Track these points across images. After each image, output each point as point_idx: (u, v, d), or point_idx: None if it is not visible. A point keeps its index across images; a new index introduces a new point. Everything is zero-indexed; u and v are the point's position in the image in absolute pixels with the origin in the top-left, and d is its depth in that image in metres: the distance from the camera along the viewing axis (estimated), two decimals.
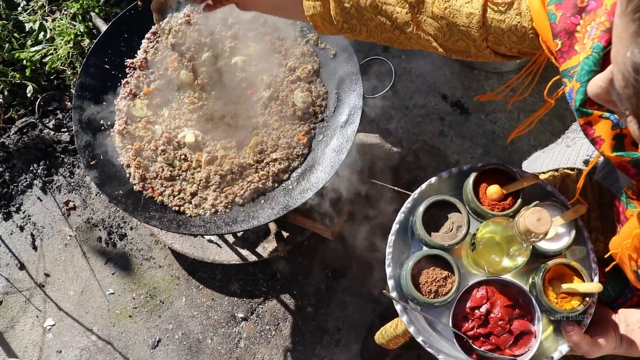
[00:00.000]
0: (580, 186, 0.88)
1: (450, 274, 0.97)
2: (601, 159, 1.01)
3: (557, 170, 1.13)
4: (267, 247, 1.93)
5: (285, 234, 1.90)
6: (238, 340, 2.00)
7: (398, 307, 0.99)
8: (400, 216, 1.06)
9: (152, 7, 1.25)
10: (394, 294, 1.00)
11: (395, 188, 1.82)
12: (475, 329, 0.94)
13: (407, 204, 1.06)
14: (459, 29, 0.81)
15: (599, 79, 0.54)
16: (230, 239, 1.96)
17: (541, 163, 1.21)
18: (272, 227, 1.85)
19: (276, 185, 1.47)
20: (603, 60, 0.67)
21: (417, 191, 1.06)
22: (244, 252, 1.93)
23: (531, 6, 0.76)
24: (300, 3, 0.90)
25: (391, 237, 1.04)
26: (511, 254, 0.88)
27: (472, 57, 0.86)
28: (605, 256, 0.93)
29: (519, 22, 0.77)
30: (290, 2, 0.92)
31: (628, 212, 0.79)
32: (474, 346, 0.93)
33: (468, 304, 0.95)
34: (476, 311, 0.95)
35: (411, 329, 0.97)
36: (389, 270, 1.01)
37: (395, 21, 0.85)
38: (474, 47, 0.83)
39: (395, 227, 1.05)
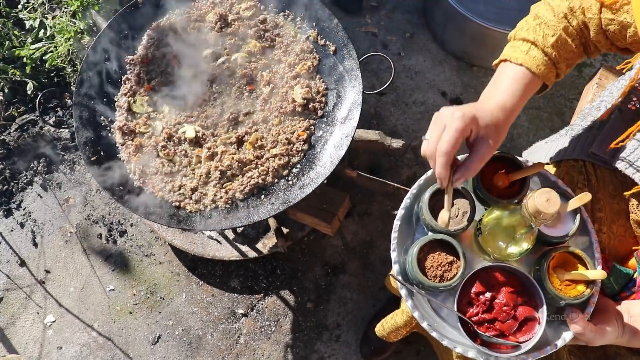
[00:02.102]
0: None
1: (455, 259, 0.98)
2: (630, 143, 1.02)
3: (560, 161, 1.14)
4: (267, 243, 1.94)
5: (285, 230, 1.91)
6: (238, 336, 2.00)
7: (403, 292, 1.00)
8: (405, 202, 1.06)
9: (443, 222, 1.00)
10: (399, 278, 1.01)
11: (395, 184, 1.83)
12: (479, 315, 0.94)
13: (413, 189, 1.07)
14: (589, 38, 0.95)
15: None
16: (230, 235, 1.97)
17: (544, 154, 1.21)
18: (272, 223, 1.86)
19: (276, 180, 1.47)
20: None
21: (423, 178, 1.07)
22: (244, 248, 1.94)
23: (635, 10, 0.83)
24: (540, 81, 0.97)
25: (396, 222, 1.05)
26: (517, 238, 0.88)
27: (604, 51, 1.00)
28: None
29: (624, 18, 0.88)
30: (536, 87, 0.98)
31: None
32: (479, 331, 0.93)
33: (473, 290, 0.96)
34: (481, 297, 0.95)
35: (416, 314, 0.98)
36: (394, 255, 1.02)
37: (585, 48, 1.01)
38: (603, 47, 0.97)
39: (400, 212, 1.06)
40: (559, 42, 0.95)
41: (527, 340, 0.93)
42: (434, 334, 0.96)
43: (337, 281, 2.05)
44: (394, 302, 1.91)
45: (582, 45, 1.00)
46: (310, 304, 2.02)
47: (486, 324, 0.94)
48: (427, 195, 1.01)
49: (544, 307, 0.93)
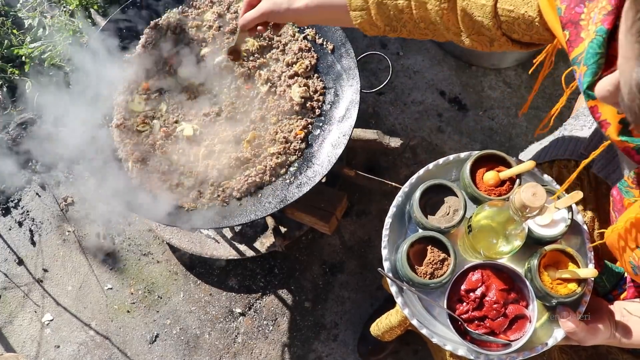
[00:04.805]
0: (575, 176, 0.89)
1: (446, 256, 0.98)
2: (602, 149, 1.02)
3: (553, 161, 1.14)
4: (264, 242, 1.94)
5: (283, 229, 1.91)
6: (236, 336, 2.00)
7: (393, 289, 1.00)
8: (397, 200, 1.06)
9: (227, 53, 1.32)
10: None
11: (393, 183, 1.82)
12: (470, 312, 0.94)
13: (405, 188, 1.07)
14: (476, 20, 0.87)
15: (607, 82, 0.56)
16: (228, 234, 1.97)
17: (538, 155, 1.22)
18: (270, 222, 1.86)
19: (273, 179, 1.47)
20: (608, 43, 0.68)
21: (415, 176, 1.08)
22: (242, 247, 1.94)
23: (541, 5, 0.80)
24: (348, 14, 1.00)
25: (388, 220, 1.05)
26: (507, 234, 0.88)
27: (496, 47, 0.92)
28: (596, 243, 0.94)
29: (526, 12, 0.82)
30: (340, 15, 1.02)
31: (626, 201, 0.80)
32: (469, 329, 0.93)
33: (463, 287, 0.96)
34: (471, 294, 0.95)
35: (406, 311, 0.98)
36: (385, 252, 1.02)
37: (430, 18, 0.93)
38: (493, 35, 0.89)
39: (392, 210, 1.06)
40: None
41: (518, 339, 0.93)
42: (423, 331, 0.96)
43: (335, 280, 2.05)
44: (392, 302, 1.91)
45: (427, 21, 0.94)
46: (308, 303, 2.02)
47: (476, 322, 0.94)
48: (418, 193, 1.01)
49: (535, 305, 0.93)
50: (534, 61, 0.99)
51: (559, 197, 1.00)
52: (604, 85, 0.56)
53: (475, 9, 0.86)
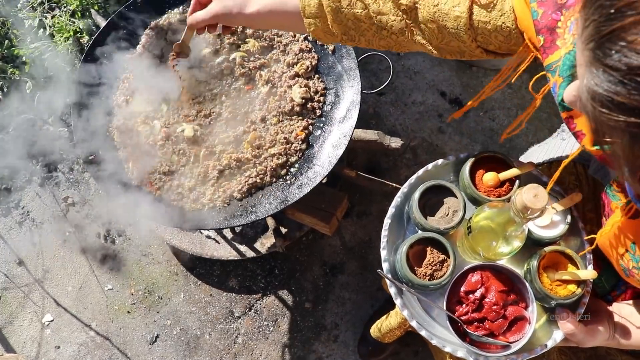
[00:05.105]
0: (557, 176, 0.89)
1: (445, 257, 0.98)
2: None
3: (552, 162, 1.15)
4: (265, 243, 1.94)
5: (283, 230, 1.91)
6: (236, 336, 2.00)
7: (392, 290, 1.00)
8: (396, 200, 1.06)
9: (173, 49, 1.31)
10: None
11: (393, 184, 1.82)
12: (469, 314, 0.94)
13: (404, 188, 1.07)
14: (449, 32, 0.84)
15: (573, 88, 0.57)
16: (228, 234, 1.97)
17: (537, 156, 1.22)
18: (271, 222, 1.86)
19: (274, 180, 1.47)
20: None
21: (414, 177, 1.07)
22: (242, 248, 1.94)
23: (515, 6, 0.78)
24: (302, 21, 0.96)
25: (387, 220, 1.05)
26: (507, 235, 0.88)
27: (467, 57, 0.89)
28: (585, 251, 0.94)
29: (503, 23, 0.80)
30: (293, 22, 0.99)
31: (613, 205, 0.80)
32: (468, 330, 0.93)
33: (462, 288, 0.96)
34: (470, 295, 0.95)
35: (405, 313, 0.98)
36: (384, 253, 1.02)
37: (390, 29, 0.89)
38: (465, 47, 0.86)
39: (391, 210, 1.05)
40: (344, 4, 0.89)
41: (517, 340, 0.93)
42: (422, 333, 0.96)
43: (336, 281, 2.05)
44: (392, 303, 1.91)
45: (387, 29, 0.90)
46: (309, 304, 2.02)
47: (476, 323, 0.94)
48: (417, 194, 1.01)
49: (534, 306, 0.93)
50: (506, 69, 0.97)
51: (557, 198, 1.00)
52: (570, 91, 0.57)
53: (448, 21, 0.82)
